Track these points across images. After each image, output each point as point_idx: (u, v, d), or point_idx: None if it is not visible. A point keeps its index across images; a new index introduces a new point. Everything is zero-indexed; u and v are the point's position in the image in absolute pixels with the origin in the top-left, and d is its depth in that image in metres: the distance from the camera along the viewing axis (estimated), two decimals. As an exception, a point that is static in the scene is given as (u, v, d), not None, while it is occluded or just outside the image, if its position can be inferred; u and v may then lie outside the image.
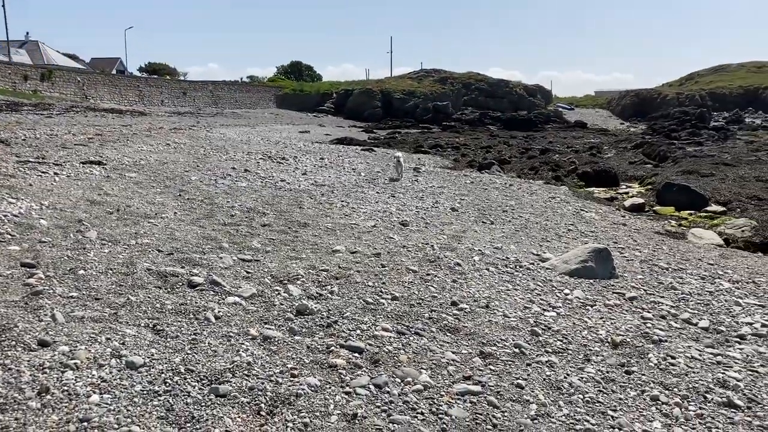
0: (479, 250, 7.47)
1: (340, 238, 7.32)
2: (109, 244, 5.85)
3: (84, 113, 31.75)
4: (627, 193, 15.67)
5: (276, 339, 4.17)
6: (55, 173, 9.42)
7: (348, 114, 61.97)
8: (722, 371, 4.48)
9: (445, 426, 3.39)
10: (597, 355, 4.65)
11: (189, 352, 3.79)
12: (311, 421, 3.22)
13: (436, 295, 5.57)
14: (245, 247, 6.37)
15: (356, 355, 4.09)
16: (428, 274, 6.16)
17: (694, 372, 4.45)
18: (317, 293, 5.20)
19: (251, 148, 18.37)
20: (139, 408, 3.10)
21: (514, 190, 13.92)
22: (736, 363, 4.66)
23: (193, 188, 9.80)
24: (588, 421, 3.64)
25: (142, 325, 4.10)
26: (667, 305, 6.01)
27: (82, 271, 4.93)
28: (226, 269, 5.51)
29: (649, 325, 5.42)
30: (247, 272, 5.51)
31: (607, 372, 4.35)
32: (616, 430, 3.59)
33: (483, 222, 9.63)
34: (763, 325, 5.50)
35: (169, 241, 6.20)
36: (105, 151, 13.41)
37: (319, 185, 11.86)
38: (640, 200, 13.81)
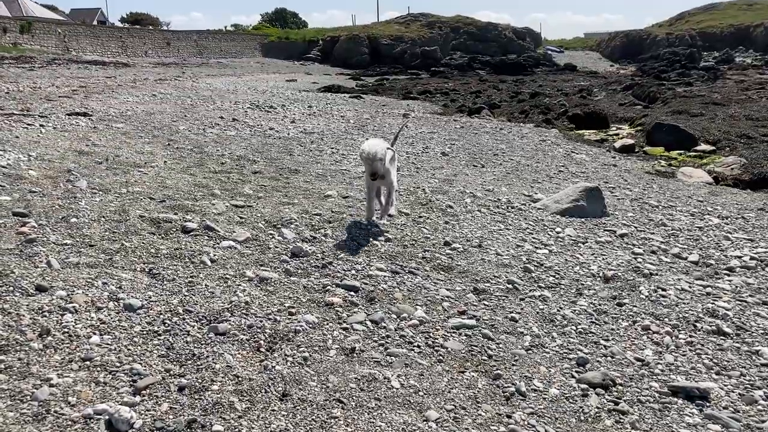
0: (471, 192, 7.49)
1: (331, 184, 7.30)
2: (100, 193, 5.81)
3: (67, 65, 31.20)
4: (617, 134, 15.65)
5: (272, 280, 4.20)
6: (41, 125, 9.28)
7: (335, 62, 61.07)
8: (711, 302, 4.57)
9: (441, 357, 3.46)
10: (589, 289, 4.73)
11: (186, 294, 3.81)
12: (310, 356, 3.27)
13: (429, 236, 5.60)
14: (237, 194, 6.35)
15: (352, 293, 4.14)
16: (420, 216, 6.18)
17: (684, 303, 4.54)
18: (311, 236, 5.22)
19: (238, 98, 18.15)
20: (139, 347, 3.14)
21: (505, 134, 13.86)
22: (725, 294, 4.76)
23: (182, 138, 9.70)
24: (581, 350, 3.73)
25: (138, 269, 4.11)
26: (657, 241, 6.08)
27: (74, 219, 4.90)
28: (219, 215, 5.50)
29: (639, 260, 5.50)
30: (240, 217, 5.51)
31: (600, 305, 4.43)
32: (609, 357, 3.67)
33: (474, 166, 9.62)
34: (752, 258, 5.58)
35: (161, 189, 6.16)
36: (90, 103, 13.22)
37: (308, 133, 11.75)
38: (630, 141, 13.81)
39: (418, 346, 3.55)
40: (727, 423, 3.06)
